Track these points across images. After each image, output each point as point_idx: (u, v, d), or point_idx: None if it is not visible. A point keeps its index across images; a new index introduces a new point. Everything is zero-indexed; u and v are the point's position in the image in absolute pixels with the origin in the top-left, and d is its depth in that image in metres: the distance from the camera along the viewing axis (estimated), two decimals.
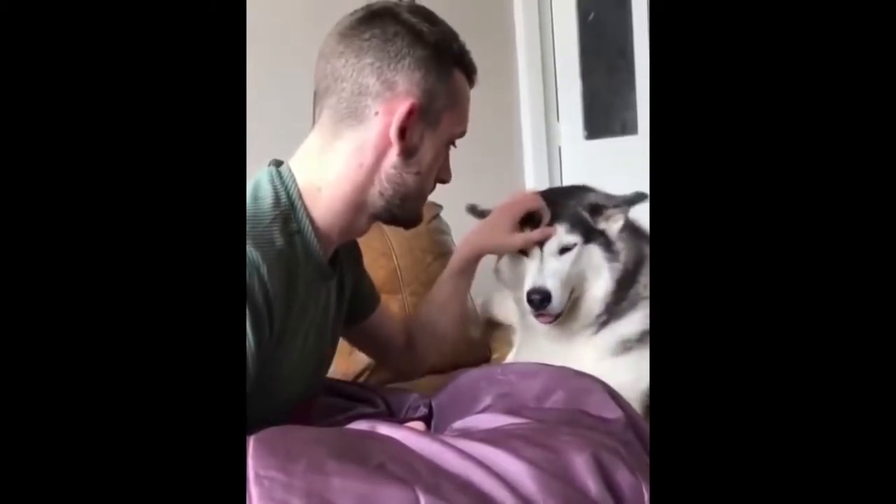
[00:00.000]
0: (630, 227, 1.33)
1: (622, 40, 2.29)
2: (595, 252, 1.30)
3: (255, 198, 0.90)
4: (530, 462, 0.73)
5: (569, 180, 2.46)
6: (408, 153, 0.93)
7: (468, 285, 1.29)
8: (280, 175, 0.93)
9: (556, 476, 0.73)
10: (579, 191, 1.38)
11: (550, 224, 1.29)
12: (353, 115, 0.91)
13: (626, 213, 1.32)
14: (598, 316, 1.32)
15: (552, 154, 2.50)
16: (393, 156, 0.92)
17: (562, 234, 1.29)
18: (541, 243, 1.29)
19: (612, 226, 1.32)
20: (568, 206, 1.32)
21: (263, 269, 0.84)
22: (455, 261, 1.27)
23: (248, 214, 0.87)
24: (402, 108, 0.90)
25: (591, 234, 1.31)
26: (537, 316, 1.30)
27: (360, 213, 0.96)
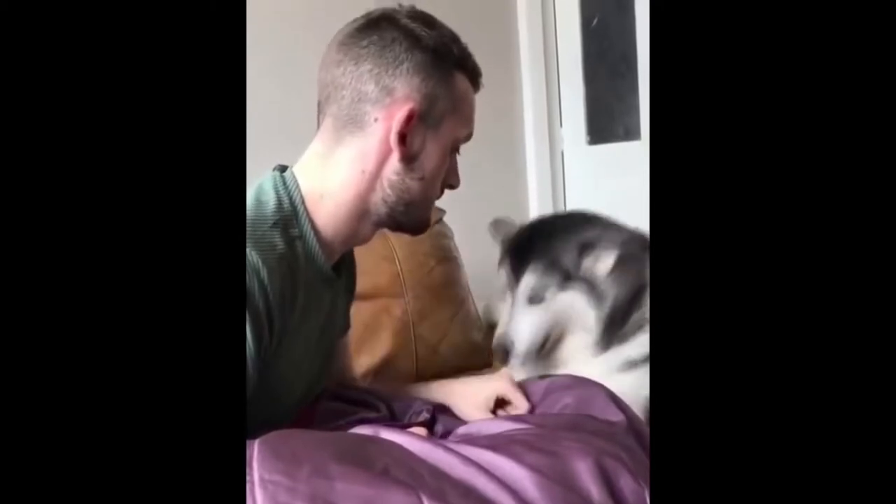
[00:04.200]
0: (623, 261, 1.25)
1: (625, 45, 2.29)
2: (577, 299, 1.26)
3: (258, 202, 0.90)
4: (533, 468, 0.73)
5: (571, 186, 2.46)
6: (409, 159, 0.92)
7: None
8: (283, 180, 0.93)
9: (559, 482, 0.73)
10: (577, 224, 1.33)
11: (523, 274, 1.27)
12: (353, 122, 0.91)
13: (618, 251, 1.25)
14: (594, 346, 1.27)
15: (555, 159, 2.49)
16: (395, 162, 0.92)
17: (531, 284, 1.27)
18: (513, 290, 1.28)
19: (600, 266, 1.25)
20: (552, 248, 1.28)
21: (264, 273, 0.84)
22: (432, 388, 1.16)
23: (249, 218, 0.87)
24: (400, 113, 0.89)
25: (570, 281, 1.26)
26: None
27: (363, 221, 0.96)
